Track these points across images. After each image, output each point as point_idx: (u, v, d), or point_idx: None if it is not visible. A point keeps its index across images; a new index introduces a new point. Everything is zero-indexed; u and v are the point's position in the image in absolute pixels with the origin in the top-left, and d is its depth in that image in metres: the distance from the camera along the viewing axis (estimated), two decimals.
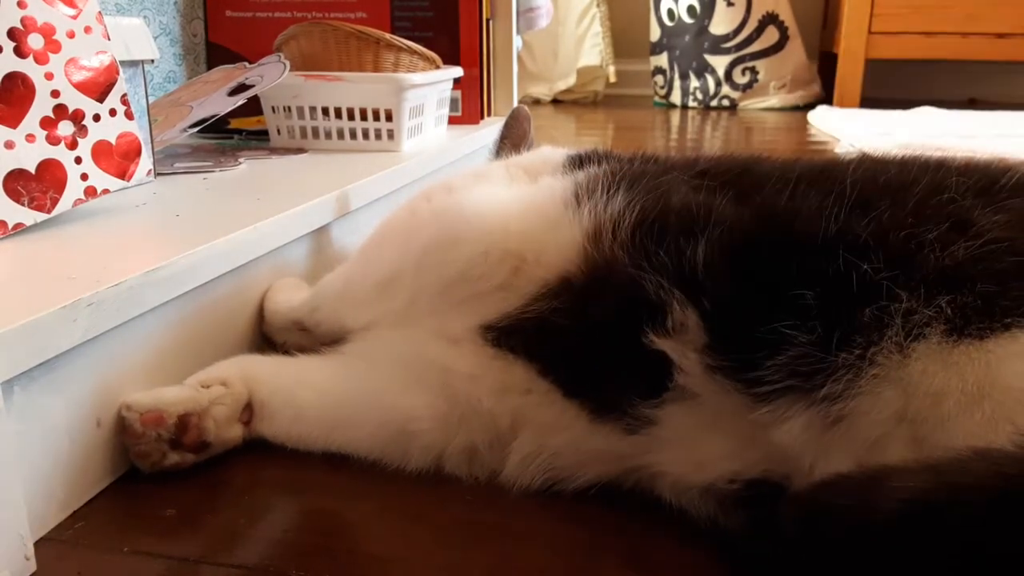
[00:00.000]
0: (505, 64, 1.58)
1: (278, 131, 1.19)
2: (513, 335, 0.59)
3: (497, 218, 0.61)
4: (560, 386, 0.57)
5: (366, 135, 1.16)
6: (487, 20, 1.52)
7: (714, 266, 0.50)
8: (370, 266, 0.68)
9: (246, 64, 1.15)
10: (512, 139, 0.90)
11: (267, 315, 0.76)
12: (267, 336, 0.78)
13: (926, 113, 2.63)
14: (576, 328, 0.55)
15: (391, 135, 1.16)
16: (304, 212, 0.81)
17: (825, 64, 3.29)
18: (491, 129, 1.47)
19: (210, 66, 1.40)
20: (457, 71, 1.33)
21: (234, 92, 1.07)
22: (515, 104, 1.62)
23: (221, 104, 1.03)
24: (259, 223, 0.73)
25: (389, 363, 0.64)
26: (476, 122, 1.48)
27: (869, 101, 2.98)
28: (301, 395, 0.64)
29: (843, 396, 0.43)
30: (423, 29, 1.43)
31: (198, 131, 1.03)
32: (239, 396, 0.63)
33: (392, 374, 0.63)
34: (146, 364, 0.62)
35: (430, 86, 1.21)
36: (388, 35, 1.15)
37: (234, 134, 1.31)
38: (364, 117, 1.15)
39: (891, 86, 3.26)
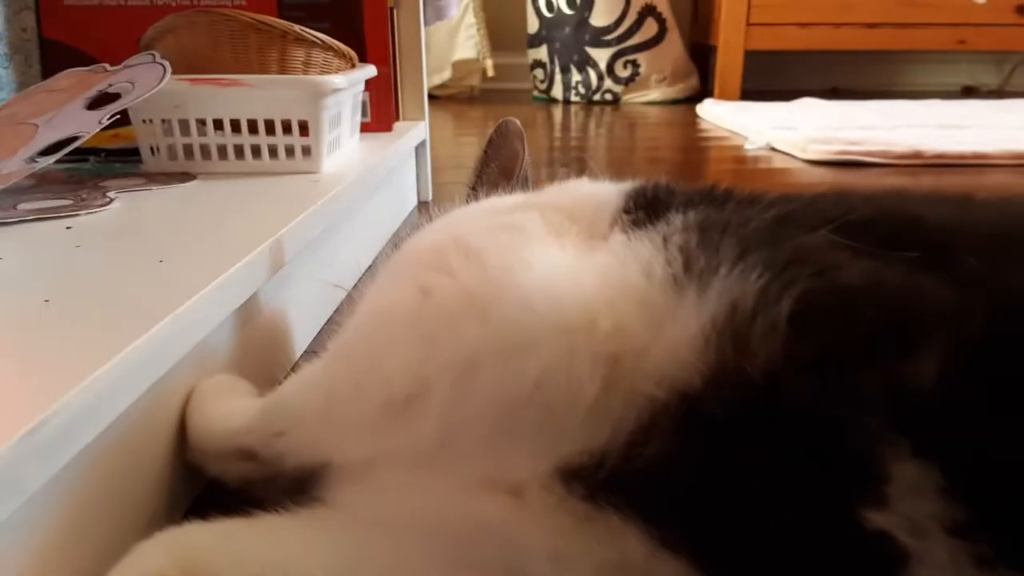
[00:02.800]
0: (413, 60, 1.36)
1: (152, 151, 0.92)
2: (616, 484, 0.37)
3: (577, 305, 0.40)
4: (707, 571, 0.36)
5: (273, 153, 0.91)
6: (390, 9, 1.30)
7: (967, 389, 0.32)
8: (367, 376, 0.45)
9: (106, 67, 0.88)
10: (500, 162, 0.68)
11: (195, 436, 0.52)
12: (195, 465, 0.54)
13: (815, 105, 2.62)
14: (718, 480, 0.35)
15: (306, 152, 0.92)
16: (232, 279, 0.57)
17: (696, 56, 3.25)
18: (407, 137, 1.25)
19: (47, 68, 1.09)
20: (371, 70, 1.10)
21: (95, 104, 0.80)
22: (425, 106, 1.40)
23: (81, 121, 0.76)
24: (178, 310, 0.49)
25: (412, 530, 0.41)
26: (389, 129, 1.25)
27: (746, 93, 2.97)
28: None
29: None
30: (318, 19, 1.18)
31: (54, 161, 0.74)
32: None
33: (418, 549, 0.40)
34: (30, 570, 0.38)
35: (349, 90, 0.98)
36: (297, 27, 0.91)
37: (88, 155, 1.02)
38: (271, 131, 0.90)
39: (762, 77, 3.27)
